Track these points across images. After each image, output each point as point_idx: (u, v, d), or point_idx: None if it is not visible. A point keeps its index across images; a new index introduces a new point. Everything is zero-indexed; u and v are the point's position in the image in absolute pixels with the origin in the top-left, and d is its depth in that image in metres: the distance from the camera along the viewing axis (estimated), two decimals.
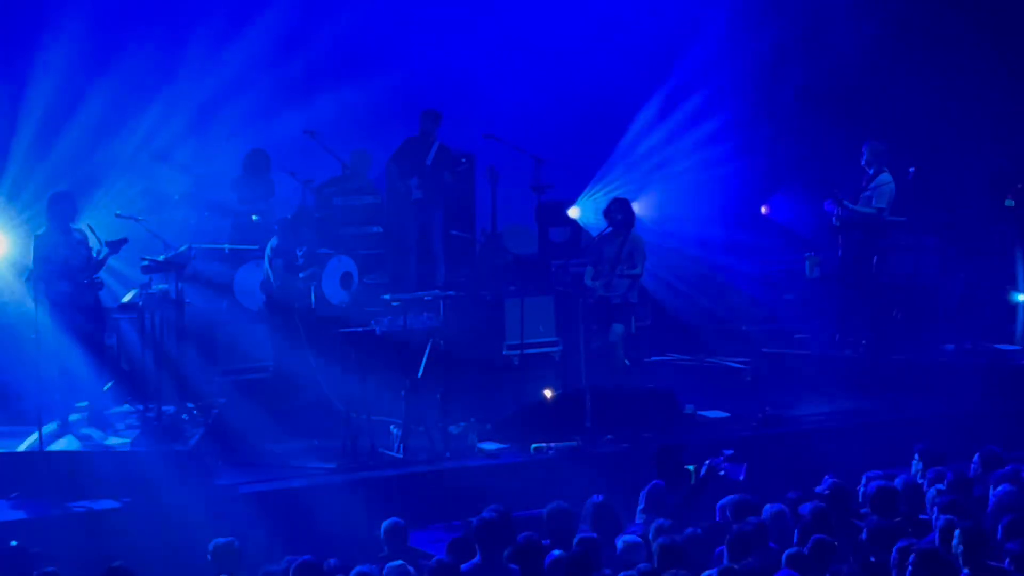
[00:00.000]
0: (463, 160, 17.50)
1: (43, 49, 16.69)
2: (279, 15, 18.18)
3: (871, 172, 16.36)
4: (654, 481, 11.74)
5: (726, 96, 19.41)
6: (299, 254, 15.07)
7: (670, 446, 12.44)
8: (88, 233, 13.22)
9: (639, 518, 11.43)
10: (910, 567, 9.25)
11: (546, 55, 18.84)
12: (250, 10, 17.88)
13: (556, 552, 9.85)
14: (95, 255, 13.14)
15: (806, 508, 10.64)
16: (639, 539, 10.24)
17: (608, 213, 15.33)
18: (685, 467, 11.98)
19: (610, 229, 15.25)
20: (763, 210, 18.72)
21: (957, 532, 9.66)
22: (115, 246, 13.17)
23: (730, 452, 11.85)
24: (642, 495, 11.57)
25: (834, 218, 16.35)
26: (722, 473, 11.72)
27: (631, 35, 18.90)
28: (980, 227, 17.66)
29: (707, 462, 11.86)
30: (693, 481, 11.76)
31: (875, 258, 16.33)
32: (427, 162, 16.82)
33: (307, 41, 18.37)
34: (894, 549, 9.59)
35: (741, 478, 11.67)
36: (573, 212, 17.96)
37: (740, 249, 18.82)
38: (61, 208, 13.08)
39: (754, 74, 19.53)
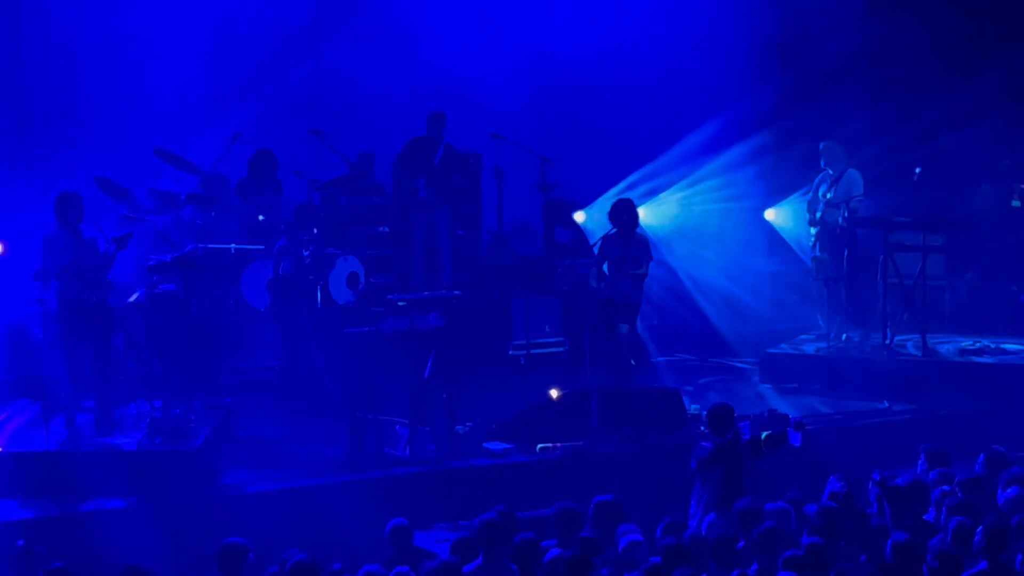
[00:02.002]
0: (471, 161, 17.47)
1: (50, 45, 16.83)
2: (286, 15, 18.24)
3: (831, 172, 16.42)
4: (701, 443, 11.82)
5: (735, 98, 19.46)
6: (305, 254, 15.10)
7: (721, 406, 12.40)
8: (97, 233, 13.25)
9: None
10: (927, 568, 9.31)
11: (556, 55, 18.88)
12: (258, 10, 17.92)
13: (555, 551, 9.88)
14: (104, 254, 13.17)
15: (812, 508, 10.64)
16: (640, 538, 10.25)
17: (613, 214, 15.34)
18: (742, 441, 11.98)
19: (615, 230, 15.26)
20: (768, 215, 18.72)
21: (980, 529, 9.71)
22: (121, 242, 13.18)
23: (796, 419, 11.87)
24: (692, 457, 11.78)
25: (840, 219, 16.36)
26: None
27: (644, 40, 18.96)
28: (987, 227, 17.66)
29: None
30: (765, 447, 11.81)
31: (881, 258, 16.33)
32: (435, 162, 16.83)
33: (313, 41, 18.41)
34: (888, 544, 9.67)
35: (797, 445, 11.74)
36: (579, 216, 17.95)
37: (748, 253, 18.90)
38: (69, 208, 13.09)
39: (760, 75, 19.58)
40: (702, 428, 12.54)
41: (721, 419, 11.95)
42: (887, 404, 15.45)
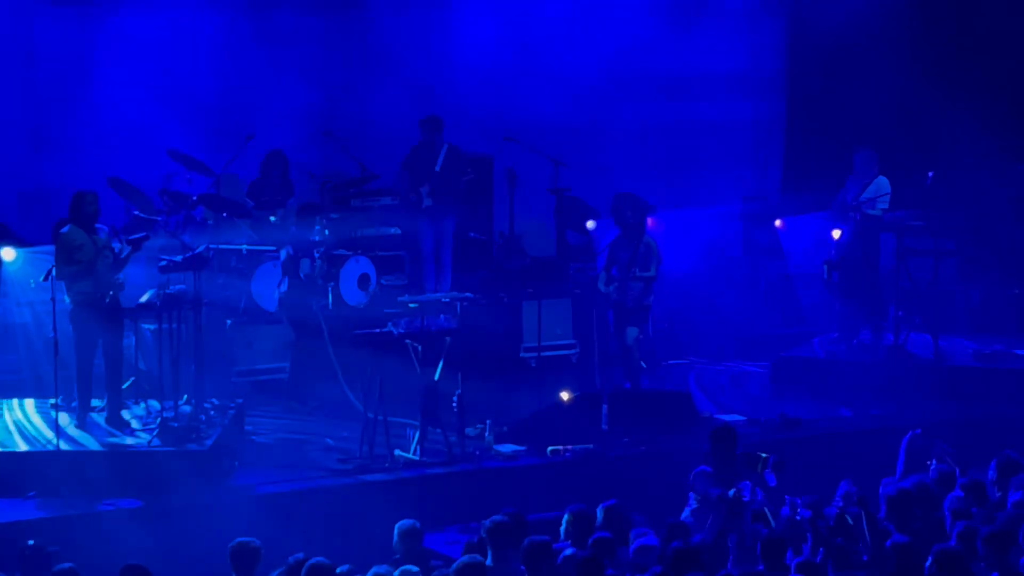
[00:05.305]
0: (469, 171, 17.33)
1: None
2: (298, 16, 18.24)
3: (864, 180, 16.36)
4: (700, 467, 11.72)
5: (743, 105, 19.50)
6: (316, 255, 15.13)
7: (724, 428, 12.31)
8: (111, 233, 13.27)
9: (692, 503, 11.47)
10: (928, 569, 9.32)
11: (567, 56, 18.88)
12: (269, 11, 17.93)
13: (568, 551, 9.87)
14: (118, 255, 13.18)
15: (832, 511, 10.65)
16: (653, 542, 10.23)
17: (619, 214, 15.32)
18: (736, 452, 11.86)
19: (622, 233, 15.27)
20: (777, 223, 18.72)
21: (980, 536, 9.72)
22: (136, 243, 13.21)
23: (774, 459, 11.39)
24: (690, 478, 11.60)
25: (853, 224, 16.33)
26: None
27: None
28: (1000, 231, 17.63)
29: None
30: (759, 468, 11.54)
31: (894, 262, 16.31)
32: (436, 168, 16.73)
33: (327, 43, 18.42)
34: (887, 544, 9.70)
35: (772, 484, 11.29)
36: (590, 224, 17.90)
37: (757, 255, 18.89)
38: (85, 207, 13.11)
39: (768, 79, 19.61)
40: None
41: (722, 441, 11.91)
42: (898, 408, 15.38)
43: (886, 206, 16.28)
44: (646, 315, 15.39)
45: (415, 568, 9.64)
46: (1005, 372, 16.07)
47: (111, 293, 13.14)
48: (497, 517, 10.19)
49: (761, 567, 9.88)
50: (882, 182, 16.33)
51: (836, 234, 16.64)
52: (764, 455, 11.53)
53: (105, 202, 13.64)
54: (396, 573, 9.58)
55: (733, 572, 9.64)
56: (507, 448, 13.89)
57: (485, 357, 15.19)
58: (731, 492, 10.86)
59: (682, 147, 19.31)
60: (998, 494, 11.35)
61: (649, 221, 15.59)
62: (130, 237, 13.23)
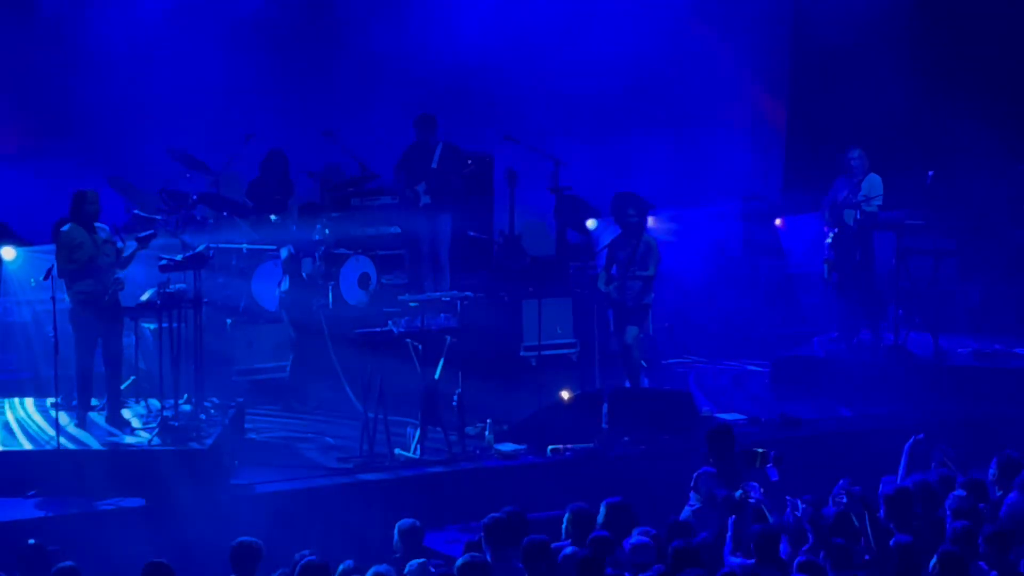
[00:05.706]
0: (469, 162, 17.34)
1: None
2: (299, 16, 18.25)
3: (857, 179, 16.34)
4: (704, 468, 11.70)
5: (743, 105, 19.51)
6: (316, 255, 15.12)
7: (721, 427, 12.32)
8: (112, 231, 13.26)
9: (693, 502, 11.46)
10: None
11: (568, 56, 18.88)
12: (270, 10, 17.93)
13: (568, 549, 9.86)
14: (121, 251, 13.18)
15: (829, 511, 10.64)
16: (648, 540, 10.21)
17: (620, 212, 15.30)
18: (735, 451, 11.85)
19: (622, 232, 15.26)
20: (777, 222, 18.71)
21: (982, 535, 9.74)
22: (144, 241, 13.21)
23: (774, 454, 11.54)
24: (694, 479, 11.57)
25: (853, 223, 16.32)
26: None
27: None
28: (1000, 231, 17.64)
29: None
30: (758, 464, 11.54)
31: (894, 262, 16.31)
32: (432, 165, 16.69)
33: (327, 42, 18.41)
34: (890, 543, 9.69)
35: (774, 479, 11.40)
36: (590, 223, 17.89)
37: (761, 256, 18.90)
38: (86, 206, 13.10)
39: (770, 79, 19.62)
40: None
41: (719, 441, 11.91)
42: (899, 408, 15.37)
43: (880, 203, 16.30)
44: (646, 314, 15.39)
45: (383, 568, 9.58)
46: (1005, 372, 16.08)
47: (111, 292, 13.13)
48: (495, 515, 10.19)
49: (752, 561, 9.89)
50: (875, 180, 16.35)
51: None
52: (761, 450, 11.56)
53: (105, 201, 13.64)
54: (407, 570, 9.60)
55: (736, 569, 9.62)
56: (507, 447, 13.89)
57: (485, 356, 15.19)
58: (737, 493, 10.83)
59: (683, 146, 19.29)
60: (999, 493, 11.35)
61: (650, 220, 15.60)
62: (140, 235, 13.23)
